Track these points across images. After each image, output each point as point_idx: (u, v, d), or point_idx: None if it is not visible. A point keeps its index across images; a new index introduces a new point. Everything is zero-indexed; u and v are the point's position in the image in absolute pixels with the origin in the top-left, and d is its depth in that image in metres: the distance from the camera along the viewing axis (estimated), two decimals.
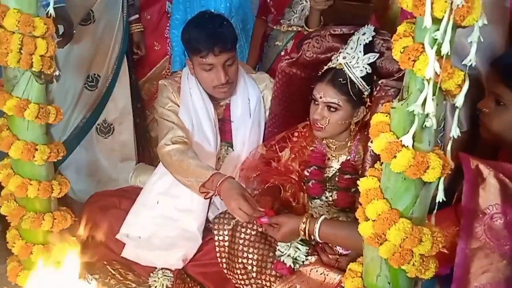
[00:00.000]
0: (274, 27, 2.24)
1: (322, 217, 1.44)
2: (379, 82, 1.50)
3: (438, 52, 0.87)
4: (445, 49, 0.86)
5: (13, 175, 1.39)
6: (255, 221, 1.58)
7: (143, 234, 1.78)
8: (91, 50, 2.06)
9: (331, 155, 1.64)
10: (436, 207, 1.02)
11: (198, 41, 1.69)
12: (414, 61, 0.89)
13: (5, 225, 1.54)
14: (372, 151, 1.52)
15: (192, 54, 1.75)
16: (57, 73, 1.38)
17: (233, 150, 1.87)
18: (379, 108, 1.37)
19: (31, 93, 1.33)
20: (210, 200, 1.80)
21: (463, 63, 0.89)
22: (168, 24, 2.42)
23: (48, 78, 1.38)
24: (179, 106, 1.82)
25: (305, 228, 1.42)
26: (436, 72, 0.87)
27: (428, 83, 0.88)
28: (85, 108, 2.07)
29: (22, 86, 1.32)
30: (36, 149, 1.35)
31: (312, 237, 1.43)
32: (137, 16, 2.34)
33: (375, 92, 1.51)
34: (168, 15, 2.43)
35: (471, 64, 0.89)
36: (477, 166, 1.15)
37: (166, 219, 1.79)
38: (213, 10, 1.93)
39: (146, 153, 2.38)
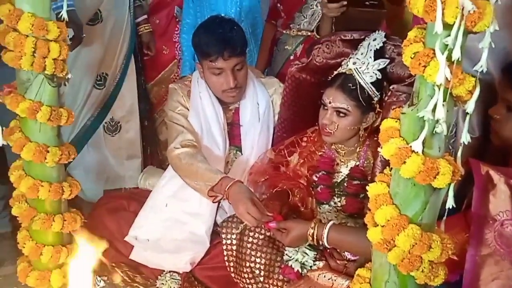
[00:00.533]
0: (284, 32, 2.24)
1: (331, 222, 1.43)
2: (391, 87, 1.50)
3: (449, 58, 0.86)
4: (456, 55, 0.85)
5: (24, 176, 1.40)
6: (263, 226, 1.59)
7: (151, 236, 1.79)
8: (100, 50, 2.08)
9: (340, 160, 1.63)
10: (446, 213, 1.01)
11: (208, 45, 1.70)
12: (425, 66, 0.89)
13: (16, 226, 1.55)
14: (382, 156, 1.53)
15: (202, 58, 1.76)
16: (69, 76, 1.39)
17: (241, 154, 1.87)
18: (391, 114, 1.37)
19: (43, 96, 1.34)
20: (219, 204, 1.81)
21: (474, 69, 0.89)
22: (176, 29, 2.44)
23: (60, 81, 1.40)
24: (188, 110, 1.83)
25: (313, 233, 1.42)
26: (446, 78, 0.86)
27: (439, 89, 0.88)
28: (93, 106, 2.10)
29: (35, 88, 1.33)
30: (48, 151, 1.36)
31: (321, 243, 1.43)
32: (145, 16, 2.35)
33: (386, 98, 1.51)
34: (177, 20, 2.45)
35: (483, 70, 0.88)
36: (487, 172, 1.14)
37: (174, 222, 1.80)
38: (223, 15, 1.94)
39: (155, 156, 2.39)
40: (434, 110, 0.89)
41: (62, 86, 1.47)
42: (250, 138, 1.85)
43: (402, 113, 0.96)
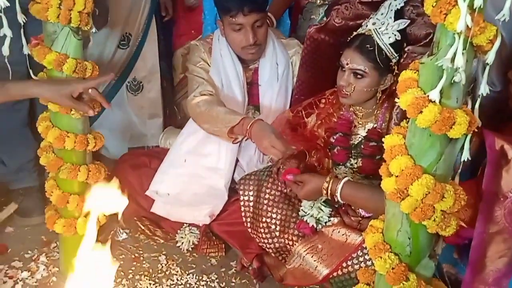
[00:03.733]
0: (309, 0, 2.21)
1: (346, 178, 1.45)
2: (406, 49, 1.48)
3: (470, 6, 0.85)
4: (478, 2, 0.84)
5: (51, 127, 1.46)
6: (279, 182, 1.62)
7: (171, 190, 1.84)
8: (124, 10, 2.09)
9: (358, 122, 1.64)
10: (461, 166, 1.01)
11: (228, 0, 1.70)
12: (446, 14, 0.88)
13: (43, 182, 1.61)
14: (396, 118, 1.52)
15: (222, 14, 1.77)
16: (93, 30, 1.43)
17: (259, 114, 1.89)
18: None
19: (69, 48, 1.38)
20: (236, 162, 1.84)
21: (496, 18, 0.88)
22: None
23: (85, 34, 1.43)
24: (210, 66, 1.85)
25: (327, 187, 1.44)
26: (467, 26, 0.85)
27: (459, 37, 0.87)
28: (117, 66, 2.13)
29: (61, 41, 1.37)
30: None
31: (335, 198, 1.45)
32: None
33: (402, 60, 1.50)
34: None
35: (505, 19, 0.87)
36: (502, 147, 1.10)
37: (194, 177, 1.84)
38: None
39: (173, 118, 2.43)
40: (453, 59, 0.88)
41: (89, 41, 1.50)
42: (268, 97, 1.86)
43: (421, 63, 0.96)
